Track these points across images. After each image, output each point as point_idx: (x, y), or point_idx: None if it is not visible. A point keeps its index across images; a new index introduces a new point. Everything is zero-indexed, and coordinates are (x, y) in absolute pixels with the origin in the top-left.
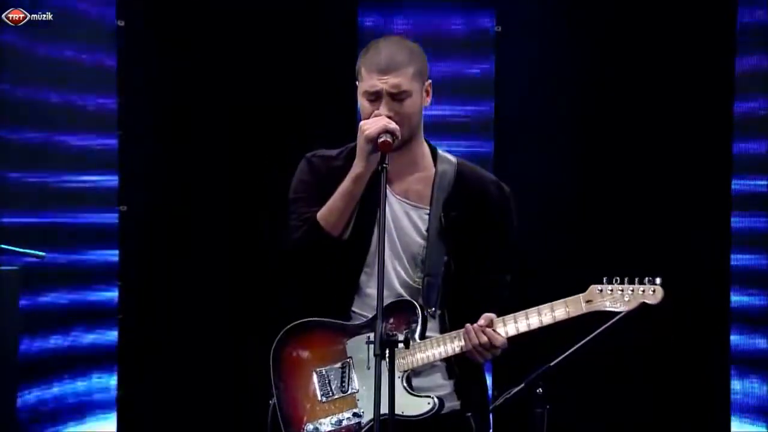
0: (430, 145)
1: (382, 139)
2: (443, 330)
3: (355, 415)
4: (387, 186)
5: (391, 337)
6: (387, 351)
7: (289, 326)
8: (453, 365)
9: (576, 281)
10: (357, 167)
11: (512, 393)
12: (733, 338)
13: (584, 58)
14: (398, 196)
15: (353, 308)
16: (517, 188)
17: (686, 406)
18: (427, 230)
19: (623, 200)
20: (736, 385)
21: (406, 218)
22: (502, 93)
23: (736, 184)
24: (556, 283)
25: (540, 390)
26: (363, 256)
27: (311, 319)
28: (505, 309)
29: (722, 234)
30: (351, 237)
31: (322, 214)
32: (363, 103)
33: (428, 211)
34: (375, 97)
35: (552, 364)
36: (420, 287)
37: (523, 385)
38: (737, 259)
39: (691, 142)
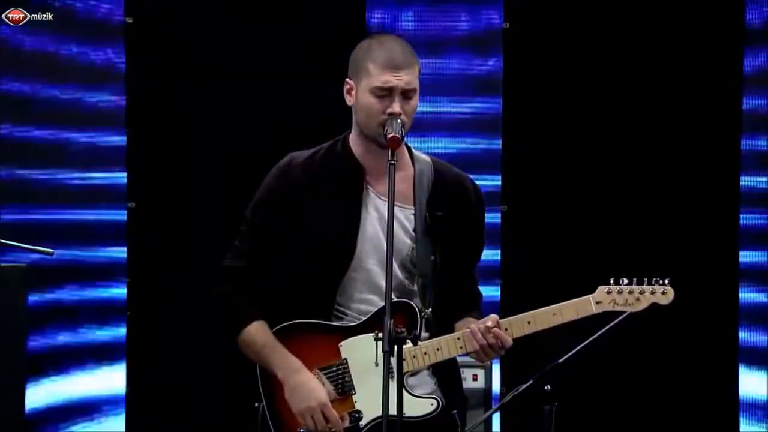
0: (405, 144)
1: (391, 135)
2: (429, 329)
3: (353, 416)
4: (369, 186)
5: (399, 333)
6: (395, 348)
7: (276, 328)
8: (436, 365)
9: (584, 278)
10: (277, 369)
11: (520, 390)
12: (742, 335)
13: (592, 55)
14: (382, 197)
15: (338, 311)
16: (525, 185)
17: (694, 403)
18: (414, 230)
19: (631, 197)
20: (743, 382)
21: (394, 219)
22: (510, 90)
23: (745, 181)
24: (563, 281)
25: (548, 387)
26: (347, 261)
27: (300, 321)
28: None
29: (730, 231)
30: (334, 240)
31: (243, 340)
32: (369, 99)
33: (413, 211)
34: (387, 93)
35: (560, 361)
36: (411, 289)
37: (531, 382)
38: (746, 255)
39: (699, 138)
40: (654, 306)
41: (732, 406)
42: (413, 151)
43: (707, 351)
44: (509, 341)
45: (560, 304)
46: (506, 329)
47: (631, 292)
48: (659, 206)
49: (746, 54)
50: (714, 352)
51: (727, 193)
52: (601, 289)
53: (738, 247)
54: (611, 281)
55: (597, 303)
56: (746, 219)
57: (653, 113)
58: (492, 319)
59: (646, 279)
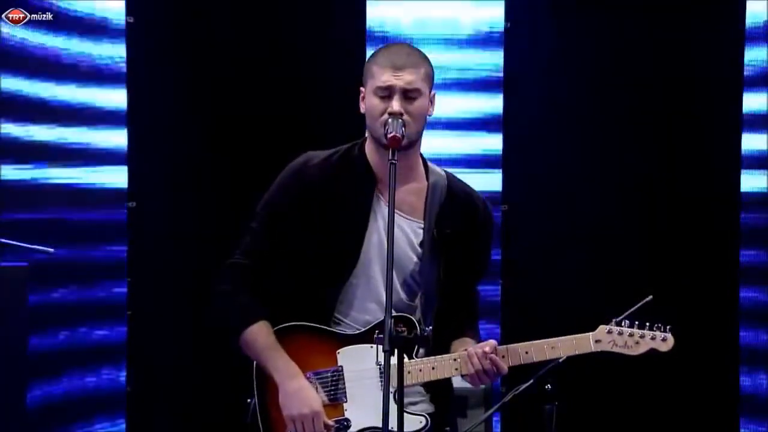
0: (421, 156)
1: (391, 134)
2: (426, 346)
3: (341, 424)
4: (379, 195)
5: (400, 334)
6: (396, 348)
7: (277, 328)
8: (431, 381)
9: (585, 277)
10: (275, 372)
11: (521, 389)
12: (742, 335)
13: (594, 54)
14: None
15: (336, 317)
16: (525, 184)
17: (694, 402)
18: (421, 245)
19: (632, 195)
20: (745, 382)
21: (398, 230)
22: (511, 89)
23: (745, 180)
24: (564, 281)
25: (549, 386)
26: (350, 267)
27: (300, 323)
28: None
29: (731, 230)
30: (339, 245)
31: (245, 340)
32: (372, 101)
33: (422, 225)
34: (387, 93)
35: (561, 360)
36: (412, 304)
37: (532, 381)
38: (746, 255)
39: (699, 137)
40: (652, 352)
41: (732, 405)
42: (429, 164)
43: (708, 350)
44: (505, 369)
45: (559, 338)
46: (503, 356)
47: (631, 335)
48: (660, 205)
49: (746, 53)
50: (714, 352)
51: (727, 193)
52: (602, 329)
53: (739, 247)
54: (613, 321)
55: (596, 342)
56: (746, 219)
57: (653, 112)
58: (490, 344)
59: (647, 324)
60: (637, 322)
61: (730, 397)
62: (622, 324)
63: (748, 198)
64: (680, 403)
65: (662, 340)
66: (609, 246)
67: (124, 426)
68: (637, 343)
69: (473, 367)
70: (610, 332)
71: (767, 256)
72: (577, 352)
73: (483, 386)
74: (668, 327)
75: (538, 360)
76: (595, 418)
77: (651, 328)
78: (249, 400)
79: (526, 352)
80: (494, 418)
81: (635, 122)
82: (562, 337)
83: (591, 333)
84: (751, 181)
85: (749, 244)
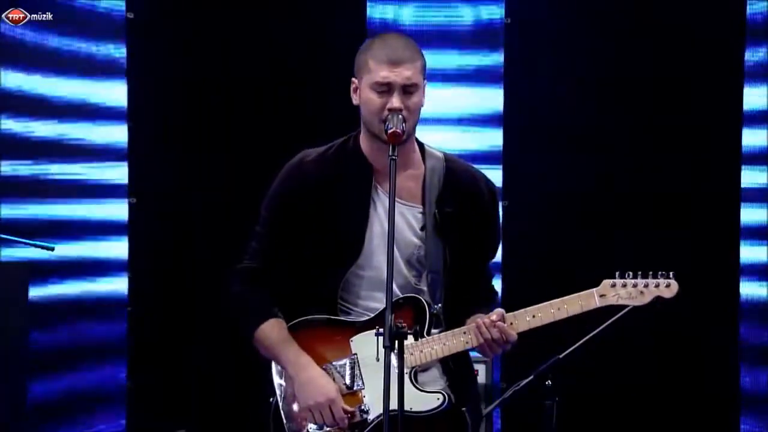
0: (417, 141)
1: (391, 130)
2: (440, 326)
3: (361, 411)
4: (378, 185)
5: (400, 329)
6: (396, 343)
7: (290, 323)
8: (447, 361)
9: (586, 273)
10: (287, 364)
11: (521, 385)
12: (743, 331)
13: (594, 50)
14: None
15: (345, 307)
16: (526, 180)
17: (695, 398)
18: (422, 229)
19: (633, 192)
20: (745, 379)
21: (400, 218)
22: (511, 85)
23: (746, 176)
24: (567, 276)
25: (549, 382)
26: (354, 258)
27: (310, 317)
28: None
29: (732, 226)
30: (342, 238)
31: (258, 337)
32: (370, 96)
33: (422, 210)
34: (386, 89)
35: (561, 356)
36: (418, 287)
37: (532, 377)
38: (747, 251)
39: (700, 133)
40: (658, 299)
41: (733, 402)
42: (426, 148)
43: (708, 346)
44: (513, 336)
45: (564, 297)
46: (511, 323)
47: (635, 286)
48: (661, 201)
49: (747, 49)
50: (715, 348)
51: (728, 188)
52: (606, 283)
53: (739, 242)
54: (616, 274)
55: (601, 296)
56: (747, 214)
57: (654, 108)
58: (497, 313)
59: (651, 272)
60: (640, 273)
61: (731, 394)
62: (626, 276)
63: (749, 194)
64: (681, 399)
65: (666, 287)
66: (609, 241)
67: (124, 422)
68: (642, 292)
69: (482, 337)
70: (613, 285)
71: None
72: (583, 310)
73: (490, 377)
74: (671, 273)
75: (547, 322)
76: (595, 414)
77: (655, 277)
78: (271, 399)
79: (534, 316)
80: (495, 414)
81: (635, 117)
82: (568, 297)
83: (595, 288)
84: (751, 178)
85: (750, 240)
